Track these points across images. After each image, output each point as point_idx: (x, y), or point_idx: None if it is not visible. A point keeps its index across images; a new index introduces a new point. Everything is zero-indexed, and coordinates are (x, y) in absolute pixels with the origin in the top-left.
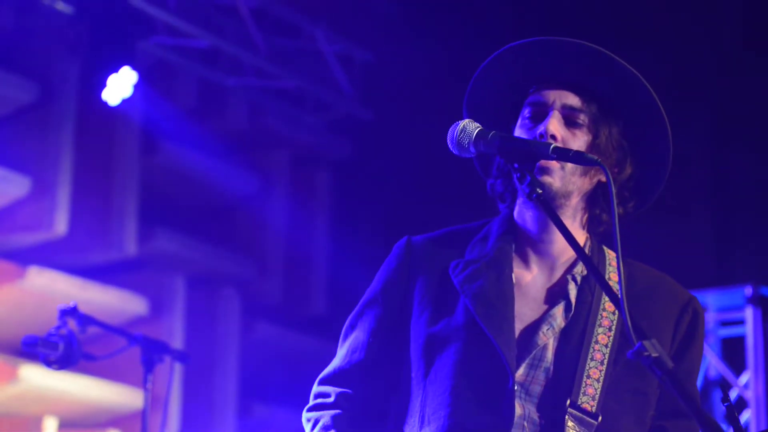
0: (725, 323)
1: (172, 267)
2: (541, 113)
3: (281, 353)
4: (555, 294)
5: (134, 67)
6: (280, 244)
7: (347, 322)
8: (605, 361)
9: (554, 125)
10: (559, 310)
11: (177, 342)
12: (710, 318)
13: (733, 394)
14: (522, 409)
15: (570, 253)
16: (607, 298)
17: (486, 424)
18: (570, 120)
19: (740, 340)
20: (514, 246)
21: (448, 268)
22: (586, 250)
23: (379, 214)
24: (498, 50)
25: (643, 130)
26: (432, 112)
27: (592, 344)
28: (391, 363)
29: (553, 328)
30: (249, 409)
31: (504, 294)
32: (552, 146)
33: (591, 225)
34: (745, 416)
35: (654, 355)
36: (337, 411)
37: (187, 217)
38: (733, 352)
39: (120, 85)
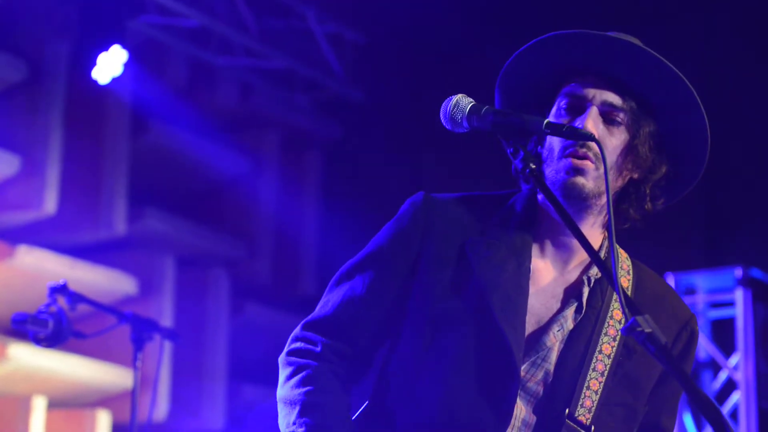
0: (715, 305)
1: (162, 247)
2: (578, 107)
3: (270, 334)
4: (567, 293)
5: (124, 46)
6: (270, 224)
7: (343, 270)
8: (605, 373)
9: (592, 122)
10: (570, 312)
11: (166, 322)
12: (700, 300)
13: (722, 376)
14: (517, 408)
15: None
16: (615, 306)
17: (482, 417)
18: (608, 117)
19: (730, 321)
20: (534, 234)
21: (466, 244)
22: (604, 250)
23: (370, 195)
24: (538, 37)
25: (680, 128)
26: (422, 92)
27: (596, 354)
28: (384, 324)
29: (563, 329)
30: (238, 389)
31: (520, 287)
32: (545, 121)
33: (616, 221)
34: (735, 398)
35: (647, 330)
36: (322, 363)
37: (177, 197)
38: (722, 334)
39: (110, 64)
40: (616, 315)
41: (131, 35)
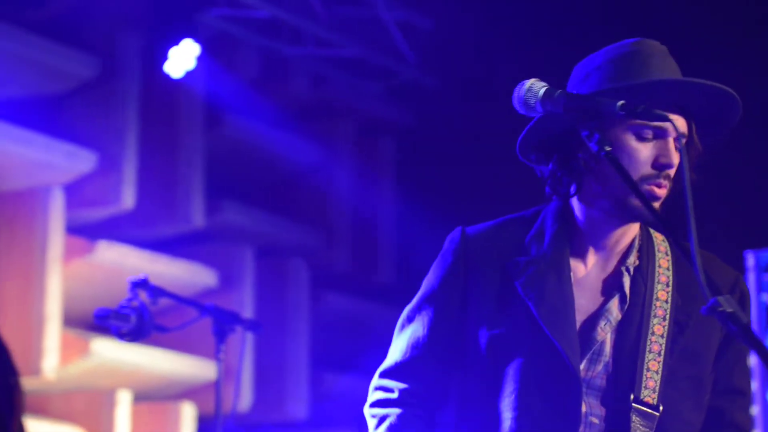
0: None
1: (240, 238)
2: (656, 135)
3: (350, 322)
4: (610, 285)
5: (196, 40)
6: (347, 213)
7: (405, 315)
8: (662, 352)
9: (676, 156)
10: (614, 303)
11: (247, 313)
12: None
13: None
14: (585, 405)
15: (623, 243)
16: (659, 288)
17: (555, 425)
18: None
19: None
20: (569, 240)
21: (507, 266)
22: (637, 237)
23: (444, 181)
24: (639, 81)
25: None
26: (494, 76)
27: (649, 336)
28: (451, 359)
29: (610, 322)
30: (320, 378)
31: (565, 295)
32: (620, 103)
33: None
34: None
35: (729, 310)
36: (402, 408)
37: (253, 188)
38: None
39: (182, 58)
40: (661, 296)
41: (202, 28)
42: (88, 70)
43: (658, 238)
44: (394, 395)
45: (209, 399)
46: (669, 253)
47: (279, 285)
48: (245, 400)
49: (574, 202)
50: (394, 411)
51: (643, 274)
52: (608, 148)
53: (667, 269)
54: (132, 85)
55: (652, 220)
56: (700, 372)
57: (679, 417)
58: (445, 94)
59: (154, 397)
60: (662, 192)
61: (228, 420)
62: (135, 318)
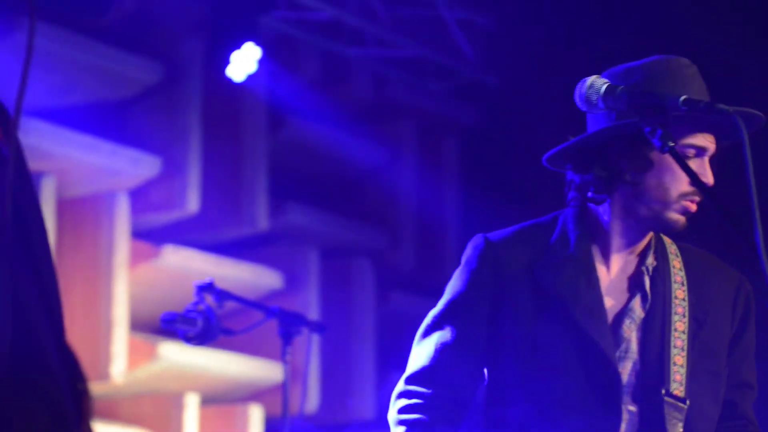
0: None
1: (305, 240)
2: (697, 153)
3: (416, 322)
4: (631, 285)
5: (257, 43)
6: (411, 212)
7: (428, 321)
8: (685, 347)
9: (711, 175)
10: (637, 302)
11: (313, 315)
12: None
13: None
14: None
15: (641, 245)
16: (677, 286)
17: (598, 419)
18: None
19: None
20: (593, 243)
21: (536, 269)
22: (653, 239)
23: (508, 179)
24: (706, 106)
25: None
26: (555, 74)
27: (672, 332)
28: (479, 363)
29: (635, 320)
30: (386, 377)
31: (596, 297)
32: (683, 98)
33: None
34: None
35: None
36: (431, 414)
37: (317, 190)
38: None
39: (245, 61)
40: (679, 294)
41: (263, 31)
42: (151, 75)
43: (667, 241)
44: (422, 401)
45: (276, 401)
46: (678, 254)
47: (344, 286)
48: (312, 401)
49: (602, 209)
50: (423, 417)
51: (661, 274)
52: (671, 144)
53: (680, 269)
54: (195, 90)
55: (680, 232)
56: (717, 367)
57: (701, 409)
58: (507, 92)
59: (221, 399)
60: (695, 207)
61: (295, 421)
62: (201, 321)
